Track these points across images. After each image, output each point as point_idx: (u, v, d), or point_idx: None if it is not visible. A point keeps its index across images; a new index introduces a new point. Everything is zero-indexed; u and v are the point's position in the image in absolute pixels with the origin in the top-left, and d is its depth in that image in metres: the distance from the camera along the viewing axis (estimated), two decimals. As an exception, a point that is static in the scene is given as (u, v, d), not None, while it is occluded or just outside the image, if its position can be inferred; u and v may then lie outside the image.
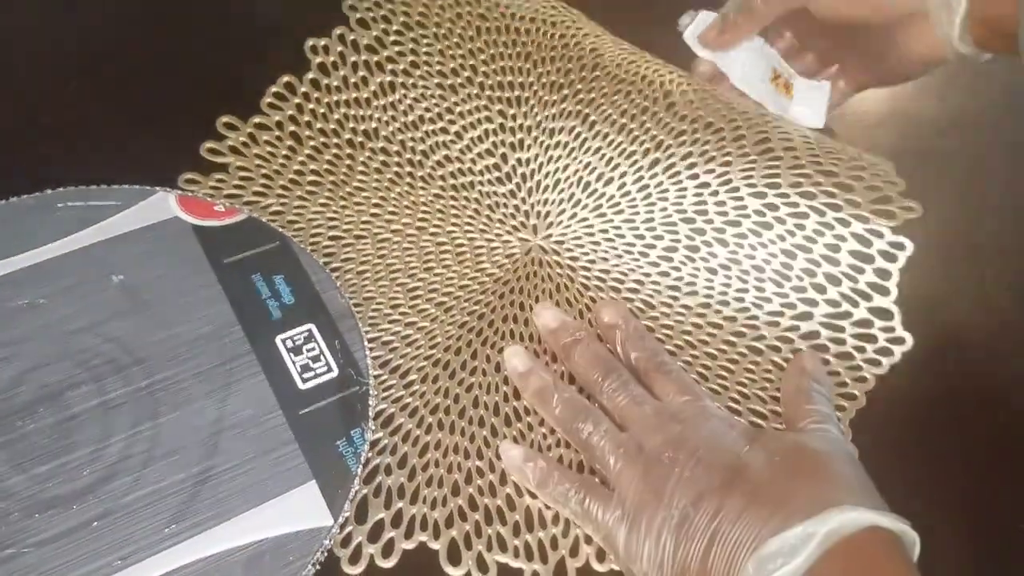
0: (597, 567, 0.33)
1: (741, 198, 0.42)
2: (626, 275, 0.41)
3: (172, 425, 0.33)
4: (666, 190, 0.43)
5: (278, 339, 0.36)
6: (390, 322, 0.39)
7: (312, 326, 0.36)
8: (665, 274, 0.41)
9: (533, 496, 0.34)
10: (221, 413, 0.34)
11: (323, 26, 0.46)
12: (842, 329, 0.40)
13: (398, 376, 0.37)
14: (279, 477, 0.32)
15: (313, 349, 0.36)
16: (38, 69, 0.45)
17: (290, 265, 0.38)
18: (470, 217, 0.42)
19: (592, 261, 0.41)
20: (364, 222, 0.42)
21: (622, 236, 0.42)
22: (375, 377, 0.36)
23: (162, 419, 0.33)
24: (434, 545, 0.33)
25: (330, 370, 0.35)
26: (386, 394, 0.37)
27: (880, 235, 0.41)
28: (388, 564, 0.33)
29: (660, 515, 0.30)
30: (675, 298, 0.40)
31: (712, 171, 0.42)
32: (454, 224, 0.42)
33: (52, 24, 0.47)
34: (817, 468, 0.31)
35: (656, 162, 0.43)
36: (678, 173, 0.43)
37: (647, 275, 0.41)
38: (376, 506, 0.34)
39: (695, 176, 0.43)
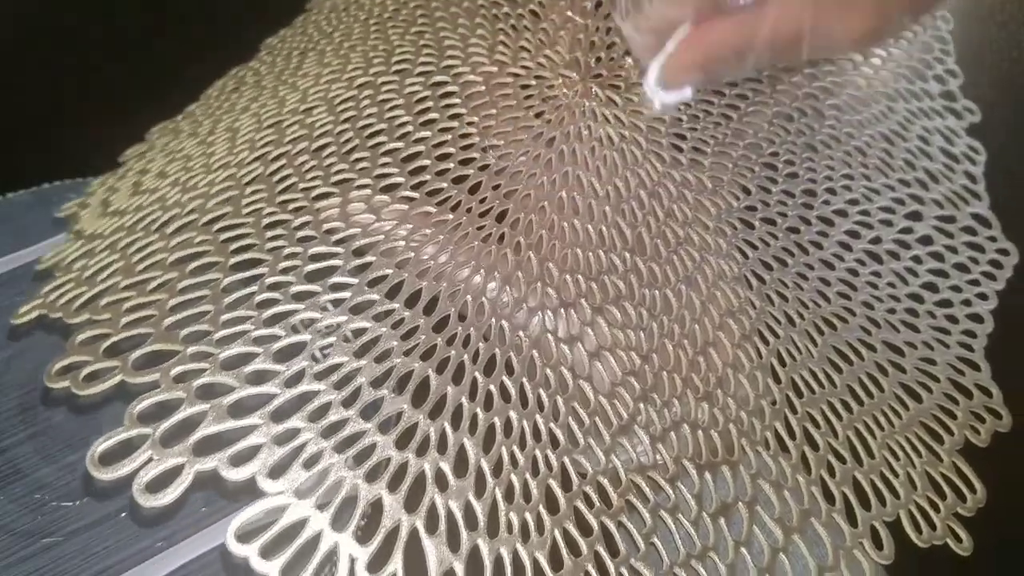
0: None
1: (832, 60, 0.32)
2: (708, 143, 0.30)
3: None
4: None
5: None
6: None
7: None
8: (756, 146, 0.30)
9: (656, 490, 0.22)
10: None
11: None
12: (952, 235, 0.32)
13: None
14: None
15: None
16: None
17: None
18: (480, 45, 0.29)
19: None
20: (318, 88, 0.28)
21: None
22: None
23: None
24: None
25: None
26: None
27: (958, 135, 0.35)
28: None
29: None
30: (772, 180, 0.30)
31: None
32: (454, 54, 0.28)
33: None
34: None
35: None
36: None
37: (733, 145, 0.30)
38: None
39: None
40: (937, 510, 0.25)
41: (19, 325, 0.23)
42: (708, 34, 0.24)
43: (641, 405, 0.24)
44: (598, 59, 0.30)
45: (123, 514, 0.28)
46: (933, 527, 0.25)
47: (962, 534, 0.25)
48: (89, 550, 0.27)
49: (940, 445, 0.27)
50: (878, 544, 0.24)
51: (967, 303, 0.30)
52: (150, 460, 0.20)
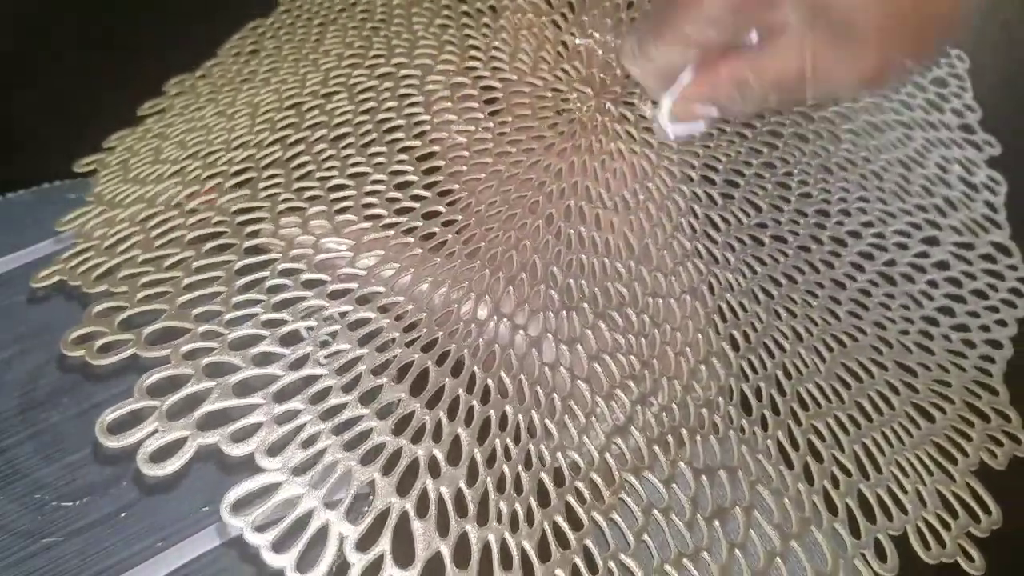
0: None
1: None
2: (720, 161, 0.30)
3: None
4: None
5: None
6: (397, 211, 0.26)
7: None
8: (770, 165, 0.31)
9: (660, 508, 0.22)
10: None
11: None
12: (970, 262, 0.32)
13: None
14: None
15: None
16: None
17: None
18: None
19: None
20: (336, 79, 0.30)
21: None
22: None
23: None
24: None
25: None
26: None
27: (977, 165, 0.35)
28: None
29: None
30: (785, 199, 0.30)
31: None
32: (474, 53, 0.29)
33: None
34: None
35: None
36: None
37: (747, 164, 0.30)
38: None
39: None
40: (948, 528, 0.25)
41: (38, 289, 0.24)
42: (715, 72, 0.25)
43: (638, 408, 0.24)
44: (613, 76, 0.31)
45: (123, 514, 0.28)
46: (943, 545, 0.24)
47: (974, 554, 0.24)
48: (89, 550, 0.28)
49: (953, 465, 0.26)
50: (882, 557, 0.23)
51: (985, 328, 0.30)
52: (156, 431, 0.21)
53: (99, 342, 0.22)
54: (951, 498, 0.25)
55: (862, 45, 0.24)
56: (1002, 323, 0.30)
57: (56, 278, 0.25)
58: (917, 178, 0.33)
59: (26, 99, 0.40)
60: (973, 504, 0.26)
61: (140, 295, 0.23)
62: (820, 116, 0.33)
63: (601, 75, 0.30)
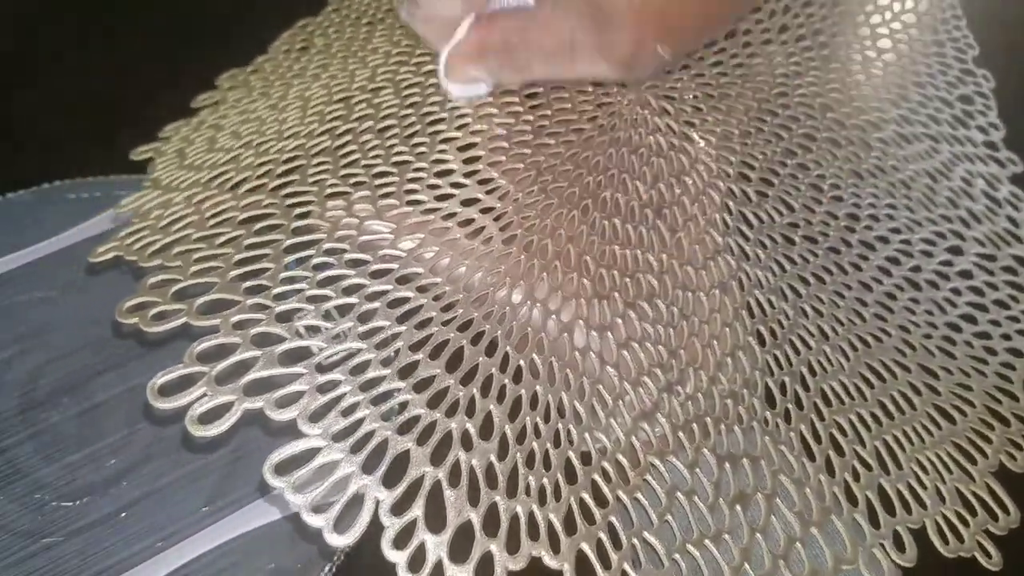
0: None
1: (880, 99, 0.34)
2: (757, 159, 0.31)
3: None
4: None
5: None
6: (438, 198, 0.27)
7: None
8: (804, 167, 0.31)
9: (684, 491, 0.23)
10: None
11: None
12: (992, 272, 0.32)
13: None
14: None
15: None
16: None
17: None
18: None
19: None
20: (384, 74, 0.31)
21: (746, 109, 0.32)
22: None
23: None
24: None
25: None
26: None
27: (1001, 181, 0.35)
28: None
29: None
30: (818, 200, 0.31)
31: (852, 55, 0.34)
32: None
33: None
34: None
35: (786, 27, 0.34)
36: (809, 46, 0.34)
37: (783, 164, 0.31)
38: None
39: (829, 56, 0.34)
40: (966, 525, 0.25)
41: (97, 263, 0.25)
42: (487, 29, 0.27)
43: (665, 395, 0.25)
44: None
45: (123, 514, 0.29)
46: (961, 540, 0.25)
47: (991, 550, 0.25)
48: (89, 550, 0.28)
49: (973, 466, 0.27)
50: (900, 547, 0.24)
51: (1006, 337, 0.30)
52: (204, 395, 0.22)
53: (152, 311, 0.23)
54: (970, 496, 0.26)
55: (618, 29, 0.25)
56: (1023, 333, 0.31)
57: (112, 254, 0.26)
58: (943, 189, 0.33)
59: (26, 99, 0.41)
60: (992, 503, 0.26)
61: (193, 269, 0.24)
62: (852, 123, 0.33)
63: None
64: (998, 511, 0.26)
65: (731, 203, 0.30)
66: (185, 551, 0.28)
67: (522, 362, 0.24)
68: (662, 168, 0.29)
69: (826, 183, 0.31)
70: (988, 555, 0.25)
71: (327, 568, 0.27)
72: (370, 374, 0.23)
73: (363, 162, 0.27)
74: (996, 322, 0.31)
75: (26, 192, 0.37)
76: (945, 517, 0.25)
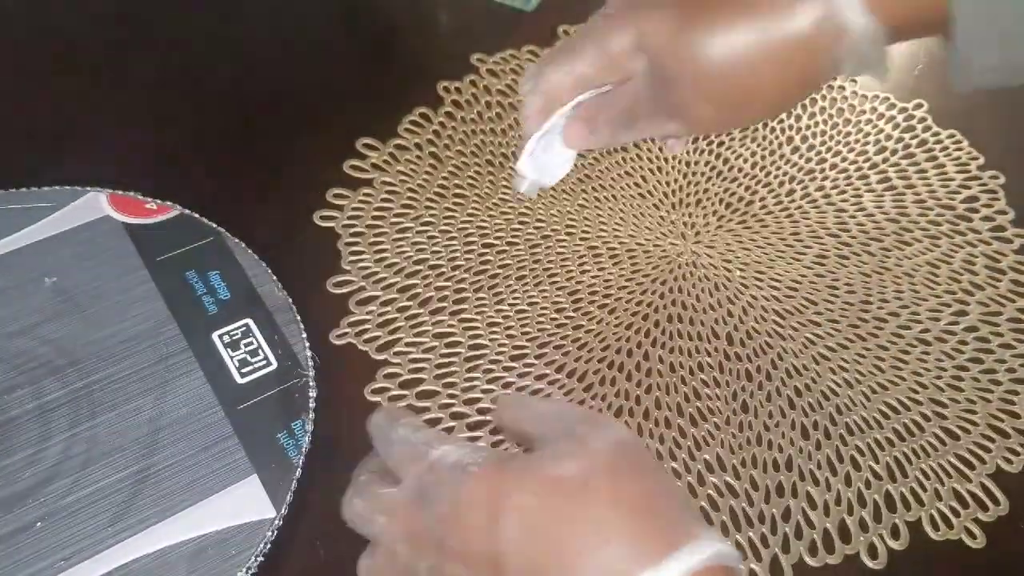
0: (810, 562, 0.33)
1: (878, 221, 0.44)
2: (781, 276, 0.42)
3: (110, 425, 0.33)
4: (807, 212, 0.45)
5: (215, 335, 0.35)
6: (557, 326, 0.39)
7: (249, 321, 0.36)
8: (820, 276, 0.42)
9: (735, 495, 0.34)
10: (159, 411, 0.33)
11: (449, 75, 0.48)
12: (998, 324, 0.41)
13: (575, 380, 0.37)
14: (220, 472, 0.32)
15: (251, 343, 0.35)
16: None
17: (225, 260, 0.37)
18: (617, 225, 0.43)
19: (746, 264, 0.42)
20: (514, 230, 0.42)
21: (772, 244, 0.43)
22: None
23: (100, 419, 0.33)
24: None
25: (268, 364, 0.35)
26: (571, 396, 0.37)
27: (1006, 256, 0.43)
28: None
29: None
30: (835, 295, 0.41)
31: (846, 199, 0.45)
32: (602, 230, 0.43)
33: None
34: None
35: (792, 191, 0.45)
36: (815, 200, 0.45)
37: (803, 275, 0.42)
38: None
39: (832, 203, 0.45)
40: (958, 516, 0.34)
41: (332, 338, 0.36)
42: (599, 101, 0.29)
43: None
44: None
45: (26, 532, 0.29)
46: (951, 527, 0.33)
47: (977, 532, 0.33)
48: None
49: (971, 470, 0.35)
50: (895, 536, 0.33)
51: (1011, 371, 0.39)
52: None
53: (388, 394, 0.36)
54: (965, 495, 0.34)
55: (681, 108, 0.28)
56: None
57: (347, 340, 0.37)
58: (945, 272, 0.42)
59: (26, 103, 0.42)
60: (984, 498, 0.34)
61: (409, 367, 0.37)
62: (857, 241, 0.43)
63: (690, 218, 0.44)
64: (990, 504, 0.34)
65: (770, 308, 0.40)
66: (87, 571, 0.29)
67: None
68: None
69: (840, 284, 0.41)
70: (973, 536, 0.33)
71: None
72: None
73: (508, 301, 0.39)
74: (1001, 360, 0.39)
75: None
76: (940, 511, 0.34)
